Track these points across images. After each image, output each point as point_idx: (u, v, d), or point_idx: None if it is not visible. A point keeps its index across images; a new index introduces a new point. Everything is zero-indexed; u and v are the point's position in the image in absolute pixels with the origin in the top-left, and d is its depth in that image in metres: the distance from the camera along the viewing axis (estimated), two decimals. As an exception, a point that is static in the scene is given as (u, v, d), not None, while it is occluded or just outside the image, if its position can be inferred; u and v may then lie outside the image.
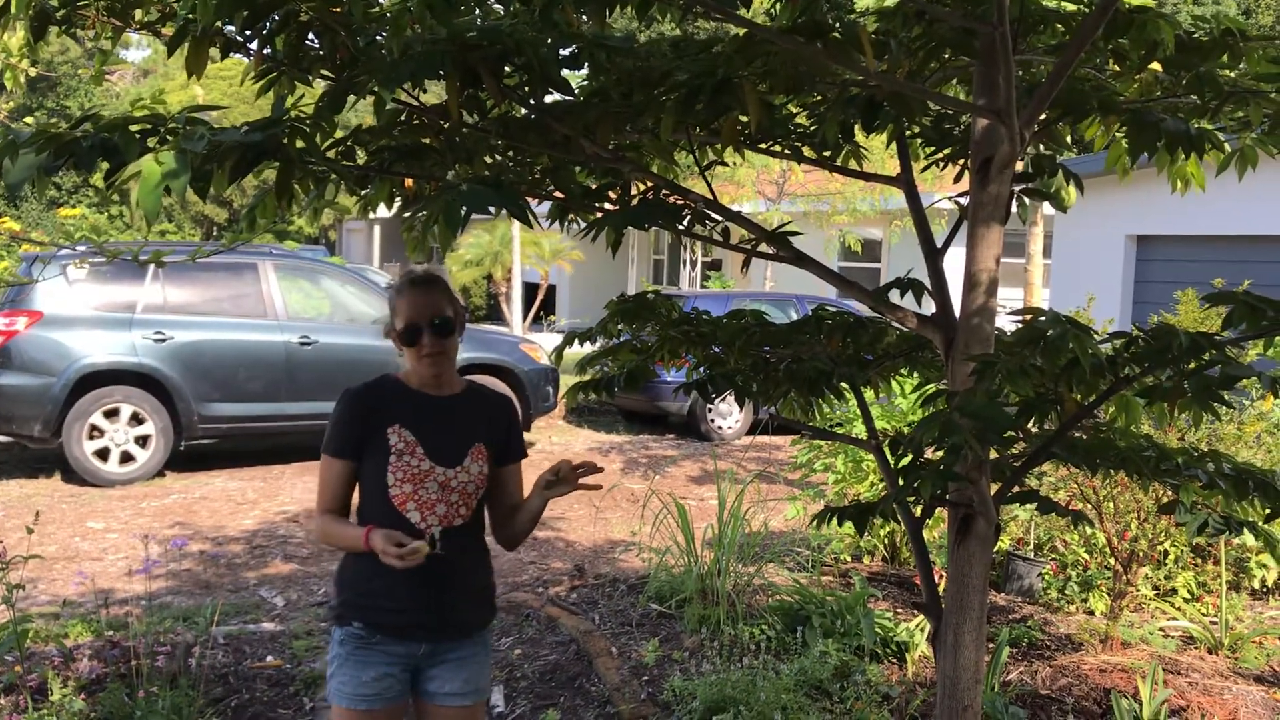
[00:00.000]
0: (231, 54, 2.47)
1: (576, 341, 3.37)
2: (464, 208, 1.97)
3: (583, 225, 2.58)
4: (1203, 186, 2.89)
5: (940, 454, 2.12)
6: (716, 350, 3.23)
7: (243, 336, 9.35)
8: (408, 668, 2.68)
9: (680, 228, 2.45)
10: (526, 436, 11.08)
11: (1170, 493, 2.59)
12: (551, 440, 11.76)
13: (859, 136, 2.84)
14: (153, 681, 3.97)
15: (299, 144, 2.13)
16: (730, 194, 17.46)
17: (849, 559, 6.66)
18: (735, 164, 15.86)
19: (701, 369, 3.23)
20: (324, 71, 2.49)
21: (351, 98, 2.37)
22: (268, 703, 4.47)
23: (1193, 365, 2.19)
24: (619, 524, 7.93)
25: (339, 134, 2.46)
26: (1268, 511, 2.51)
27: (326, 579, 6.42)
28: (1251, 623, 5.65)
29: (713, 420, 12.13)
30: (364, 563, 2.60)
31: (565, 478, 2.64)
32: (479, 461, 2.69)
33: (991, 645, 4.84)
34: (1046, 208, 13.94)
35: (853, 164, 3.00)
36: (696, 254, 24.93)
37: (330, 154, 2.42)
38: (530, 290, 24.18)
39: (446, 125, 2.45)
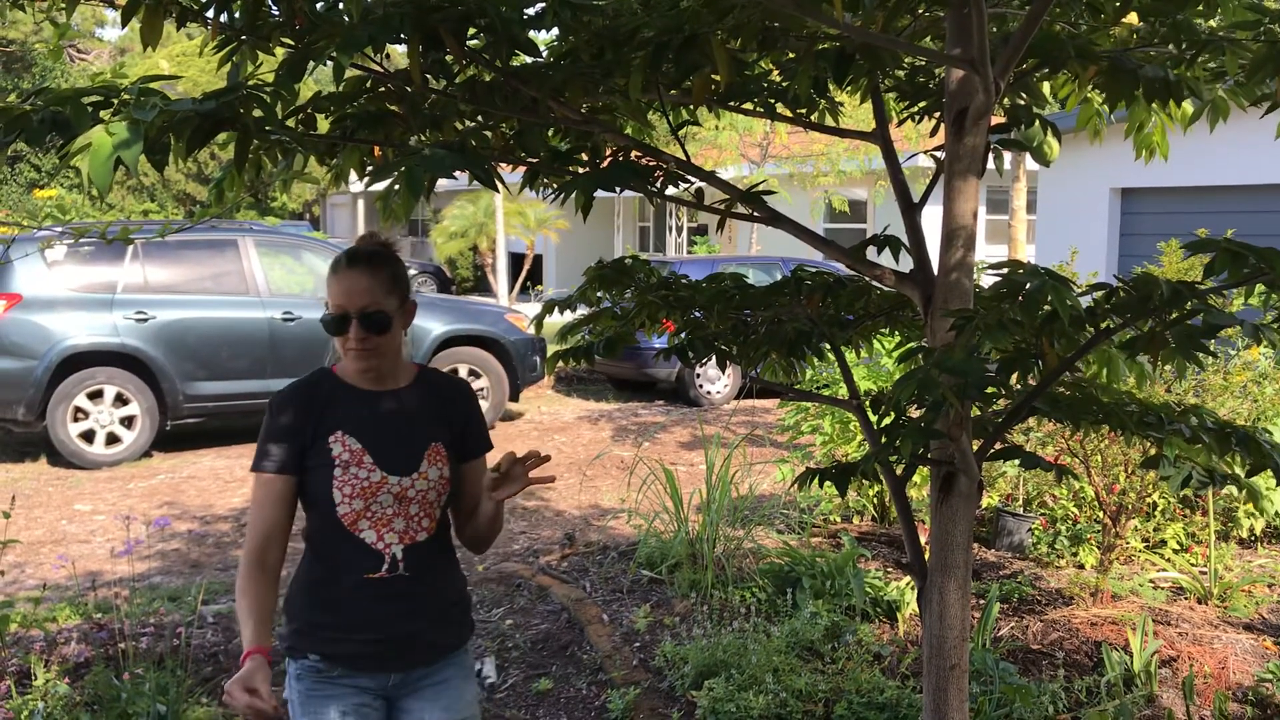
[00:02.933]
0: (188, 23, 2.41)
1: (557, 310, 3.33)
2: (427, 174, 1.92)
3: (553, 189, 2.53)
4: (1166, 156, 2.85)
5: (922, 412, 2.09)
6: (697, 315, 3.19)
7: (225, 314, 9.28)
8: (379, 696, 2.34)
9: (653, 190, 2.40)
10: (514, 407, 11.06)
11: (1154, 447, 2.57)
12: (540, 410, 11.74)
13: (834, 92, 2.80)
14: (139, 663, 3.95)
15: (256, 113, 2.08)
16: (713, 158, 17.37)
17: (838, 520, 6.67)
18: (718, 128, 15.77)
19: (683, 334, 3.19)
20: (284, 39, 2.43)
21: (315, 65, 2.31)
22: (258, 680, 4.46)
23: (1175, 315, 2.16)
24: (608, 491, 7.92)
25: (300, 100, 2.40)
26: (1249, 466, 2.49)
27: (316, 555, 6.40)
28: (1240, 572, 5.67)
29: (701, 385, 12.11)
30: (317, 585, 2.32)
31: (512, 475, 2.25)
32: (438, 464, 2.34)
33: (982, 602, 4.85)
34: (1030, 163, 13.89)
35: (829, 120, 2.95)
36: (682, 220, 24.84)
37: (291, 122, 2.36)
38: (516, 260, 24.11)
39: (410, 90, 2.39)
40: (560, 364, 3.30)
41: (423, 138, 2.65)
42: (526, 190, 2.76)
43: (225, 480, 8.36)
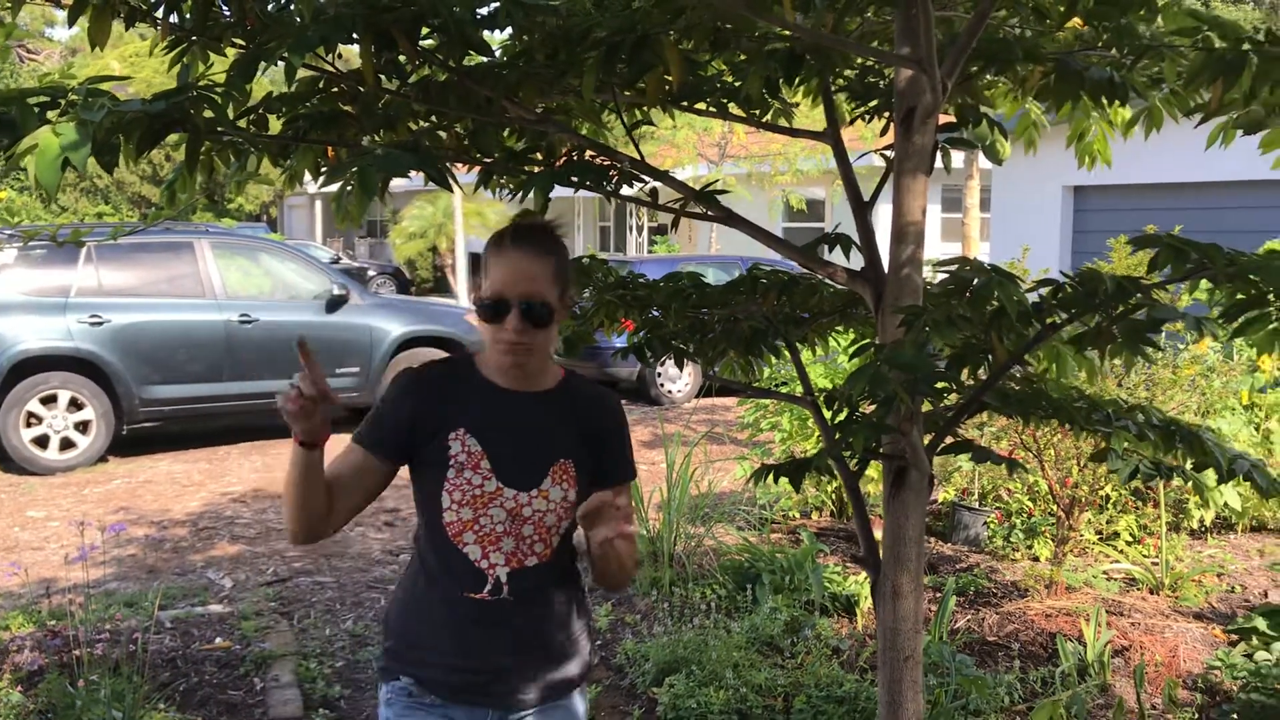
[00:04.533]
0: (136, 23, 2.39)
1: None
2: (380, 174, 1.92)
3: (509, 189, 2.54)
4: (1109, 163, 2.91)
5: (874, 408, 2.12)
6: (655, 314, 3.21)
7: (181, 317, 9.18)
8: None
9: (608, 189, 2.41)
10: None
11: (1103, 441, 2.61)
12: (501, 410, 11.72)
13: (787, 93, 2.82)
14: (94, 670, 3.91)
15: (207, 113, 2.07)
16: (672, 157, 17.42)
17: (798, 516, 6.72)
18: (675, 127, 15.82)
19: (642, 333, 3.21)
20: (235, 39, 2.42)
21: (267, 65, 2.31)
22: (217, 685, 4.43)
23: (1120, 309, 2.20)
24: (570, 491, 7.92)
25: (253, 101, 2.39)
26: (1191, 464, 2.55)
27: (275, 558, 6.36)
28: (1191, 562, 5.78)
29: (662, 384, 12.15)
30: (414, 604, 2.11)
31: (603, 516, 1.90)
32: (563, 485, 2.06)
33: (939, 595, 4.90)
34: (983, 161, 14.05)
35: (782, 121, 2.97)
36: (643, 220, 24.89)
37: (242, 123, 2.35)
38: (477, 260, 23.99)
39: (363, 91, 2.39)
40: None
41: (377, 138, 2.64)
42: (484, 190, 2.76)
43: (182, 485, 8.28)
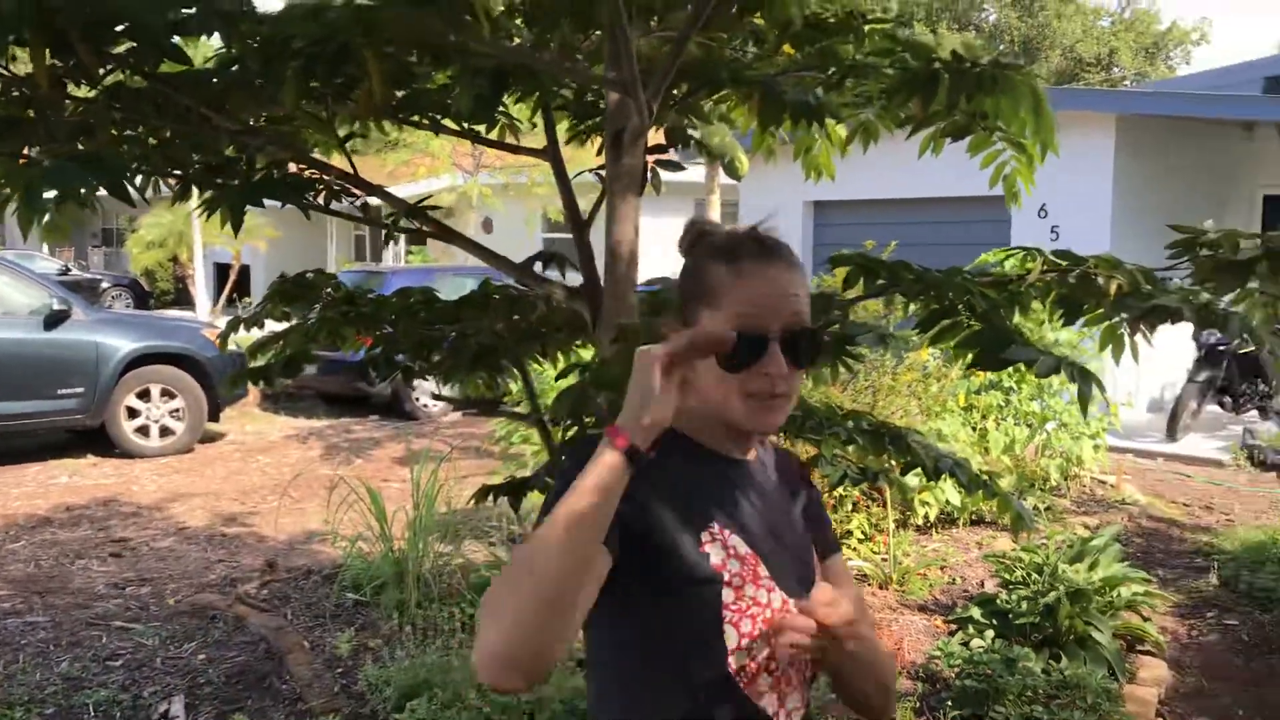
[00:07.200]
0: None
1: (243, 327, 3.19)
2: (49, 188, 1.78)
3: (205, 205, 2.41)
4: (833, 176, 3.07)
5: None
6: (389, 330, 3.14)
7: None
8: None
9: (308, 203, 2.33)
10: (214, 427, 10.47)
11: (815, 448, 2.73)
12: (245, 429, 11.19)
13: (512, 110, 2.82)
14: None
15: None
16: (427, 166, 17.18)
17: (550, 529, 6.71)
18: (429, 136, 15.61)
19: (378, 349, 3.13)
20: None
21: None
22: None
23: (821, 323, 2.30)
24: (316, 513, 7.62)
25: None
26: (903, 463, 2.70)
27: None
28: (917, 556, 6.14)
29: (418, 399, 11.91)
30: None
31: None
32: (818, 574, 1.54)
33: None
34: (723, 177, 14.55)
35: (508, 137, 2.97)
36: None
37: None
38: (222, 271, 22.93)
39: (40, 96, 2.21)
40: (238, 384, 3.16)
41: (79, 147, 2.46)
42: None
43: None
